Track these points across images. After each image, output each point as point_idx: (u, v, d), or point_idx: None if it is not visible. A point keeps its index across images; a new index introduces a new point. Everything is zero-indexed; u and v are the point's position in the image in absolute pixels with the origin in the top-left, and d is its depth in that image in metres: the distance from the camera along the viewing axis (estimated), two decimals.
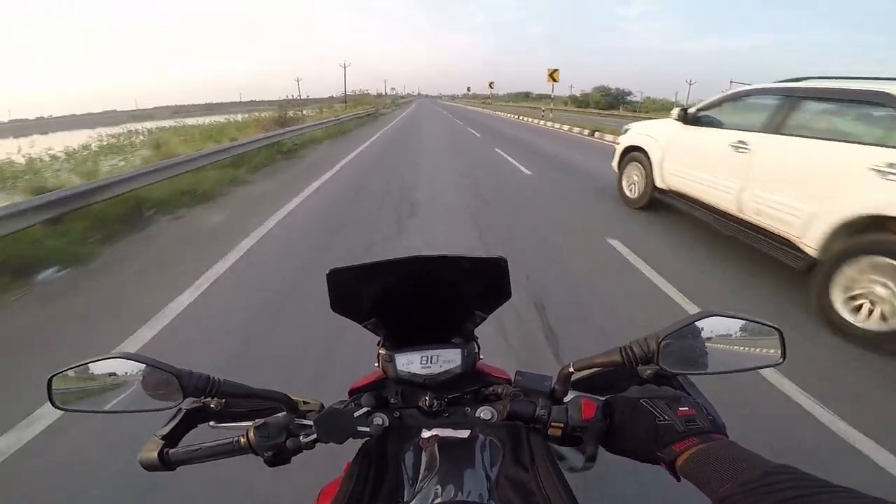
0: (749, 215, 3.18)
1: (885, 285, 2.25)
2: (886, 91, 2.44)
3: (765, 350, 0.54)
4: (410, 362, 0.65)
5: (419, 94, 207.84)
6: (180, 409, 0.61)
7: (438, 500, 0.48)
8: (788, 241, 2.85)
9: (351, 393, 0.67)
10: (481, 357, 0.70)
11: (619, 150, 5.10)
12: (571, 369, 0.57)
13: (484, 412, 0.62)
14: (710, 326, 0.52)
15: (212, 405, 0.62)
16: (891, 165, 2.24)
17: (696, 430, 0.47)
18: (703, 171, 3.69)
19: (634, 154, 4.78)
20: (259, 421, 0.57)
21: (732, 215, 3.36)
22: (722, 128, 3.61)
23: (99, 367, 0.52)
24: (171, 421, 0.60)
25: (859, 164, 2.38)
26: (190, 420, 0.61)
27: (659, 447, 0.48)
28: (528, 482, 0.52)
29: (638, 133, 4.81)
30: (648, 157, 4.47)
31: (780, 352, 0.53)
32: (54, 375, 0.52)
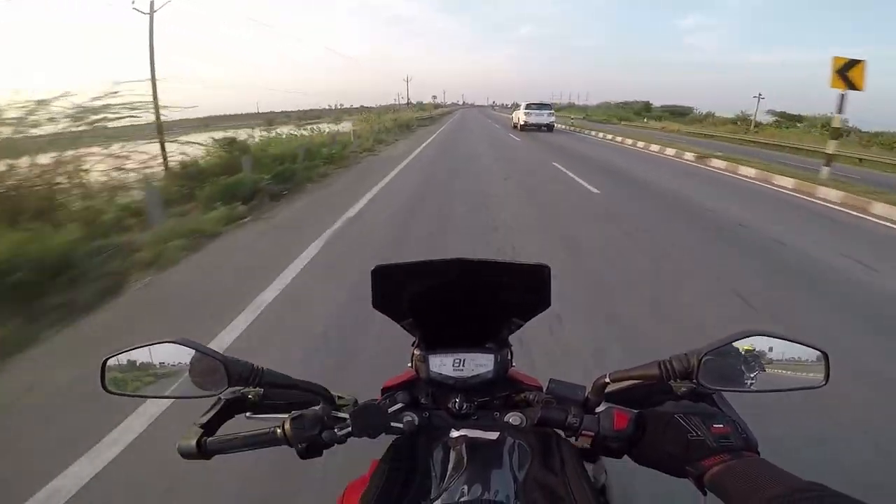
0: (517, 121, 22.70)
1: (520, 119, 22.47)
2: (517, 103, 30.90)
3: (807, 371, 0.53)
4: (443, 364, 0.65)
5: (464, 103, 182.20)
6: (219, 398, 0.62)
7: (465, 498, 0.48)
8: (517, 125, 22.56)
9: (384, 391, 0.68)
10: (514, 364, 0.70)
11: (512, 117, 25.73)
12: (607, 380, 0.57)
13: (513, 417, 0.62)
14: (752, 345, 0.52)
15: (250, 395, 0.64)
16: (516, 115, 23.63)
17: (727, 446, 0.47)
18: (515, 117, 23.48)
19: (512, 119, 24.76)
20: (296, 412, 0.58)
21: (516, 123, 22.88)
22: (517, 109, 24.79)
23: (150, 352, 0.54)
24: (210, 410, 0.61)
25: (515, 113, 25.26)
26: (228, 410, 0.63)
27: (689, 462, 0.47)
28: (557, 486, 0.52)
29: (514, 114, 25.28)
30: (512, 118, 24.61)
31: (823, 374, 0.52)
32: (108, 358, 0.54)
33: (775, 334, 0.52)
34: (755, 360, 0.52)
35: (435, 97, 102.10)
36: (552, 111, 22.36)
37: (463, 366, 0.65)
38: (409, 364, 0.69)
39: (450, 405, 0.64)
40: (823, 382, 0.52)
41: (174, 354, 0.54)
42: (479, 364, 0.65)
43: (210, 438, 0.58)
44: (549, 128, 21.33)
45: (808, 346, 0.52)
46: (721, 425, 0.49)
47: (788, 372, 0.52)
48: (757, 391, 0.52)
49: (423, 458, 0.59)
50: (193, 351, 0.52)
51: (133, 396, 0.56)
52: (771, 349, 0.52)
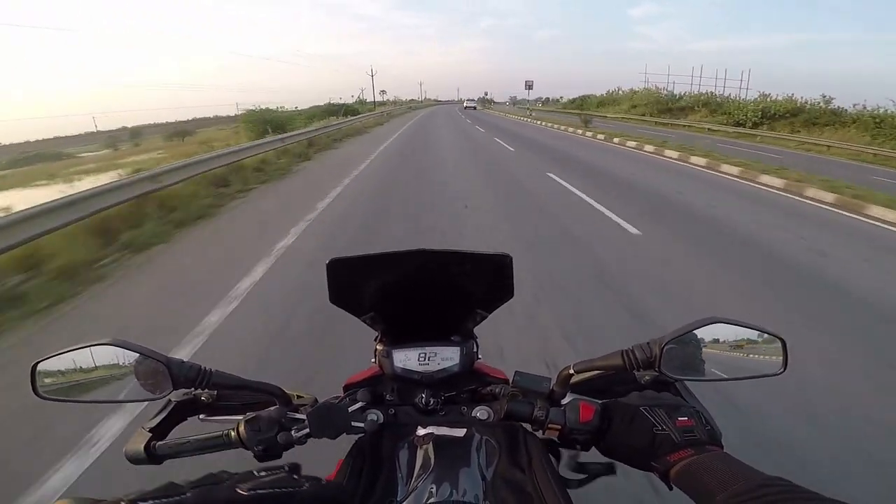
0: (464, 105, 59.22)
1: (463, 105, 62.28)
2: (461, 98, 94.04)
3: (766, 358, 0.54)
4: (408, 358, 0.64)
5: (426, 97, 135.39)
6: (170, 400, 0.59)
7: (433, 499, 0.47)
8: (464, 107, 56.40)
9: (346, 388, 0.65)
10: (480, 357, 0.69)
11: (463, 104, 61.80)
12: (571, 371, 0.56)
13: (480, 412, 0.61)
14: (713, 333, 0.52)
15: (202, 397, 0.61)
16: (464, 104, 60.97)
17: (692, 440, 0.47)
18: (463, 104, 59.62)
19: (463, 104, 60.29)
20: (250, 414, 0.56)
21: (463, 106, 56.79)
22: (462, 102, 66.58)
23: (87, 354, 0.50)
24: (159, 413, 0.58)
25: (463, 104, 63.00)
26: (179, 412, 0.60)
27: (654, 457, 0.47)
28: (525, 484, 0.51)
29: (463, 103, 62.33)
30: (463, 104, 59.93)
31: (781, 360, 0.53)
32: (39, 362, 0.50)
33: (734, 321, 0.52)
34: (715, 347, 0.52)
35: (384, 92, 75.43)
36: (475, 102, 59.24)
37: (428, 360, 0.64)
38: (373, 360, 0.67)
39: (416, 401, 0.62)
40: (781, 369, 0.52)
41: (114, 356, 0.50)
42: (444, 357, 0.64)
43: (160, 443, 0.55)
44: (474, 108, 48.02)
45: (766, 333, 0.53)
46: (685, 418, 0.49)
47: (746, 358, 0.53)
48: (716, 379, 0.52)
49: (389, 456, 0.57)
50: (133, 353, 0.49)
51: (71, 402, 0.52)
52: (730, 336, 0.52)
